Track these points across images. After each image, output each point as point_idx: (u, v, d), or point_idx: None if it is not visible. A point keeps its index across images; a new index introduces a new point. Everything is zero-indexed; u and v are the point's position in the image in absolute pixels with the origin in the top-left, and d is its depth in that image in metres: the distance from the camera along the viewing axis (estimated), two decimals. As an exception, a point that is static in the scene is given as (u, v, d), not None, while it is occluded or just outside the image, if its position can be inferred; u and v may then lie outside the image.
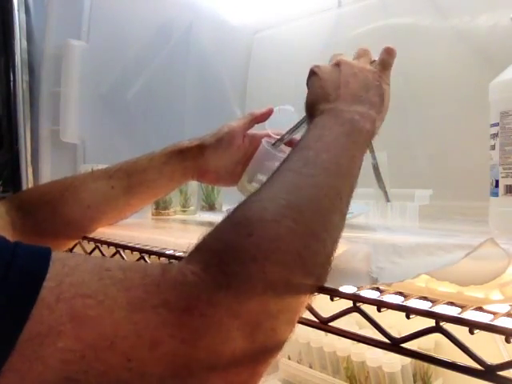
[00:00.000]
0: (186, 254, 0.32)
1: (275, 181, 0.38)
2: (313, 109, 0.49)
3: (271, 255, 0.31)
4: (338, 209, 0.38)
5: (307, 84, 0.53)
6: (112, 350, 0.25)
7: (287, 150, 0.69)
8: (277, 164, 0.61)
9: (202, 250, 0.32)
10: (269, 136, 0.69)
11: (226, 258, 0.30)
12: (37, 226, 0.59)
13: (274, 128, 0.70)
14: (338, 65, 0.51)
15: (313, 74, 0.52)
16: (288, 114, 0.69)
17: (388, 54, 0.54)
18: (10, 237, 0.56)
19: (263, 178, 0.68)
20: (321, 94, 0.49)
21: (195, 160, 0.66)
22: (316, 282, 0.35)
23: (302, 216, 0.34)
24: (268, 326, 0.30)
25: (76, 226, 0.62)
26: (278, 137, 0.68)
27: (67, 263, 0.27)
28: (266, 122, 0.70)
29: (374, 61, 0.55)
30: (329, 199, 0.37)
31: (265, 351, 0.30)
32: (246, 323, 0.29)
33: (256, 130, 0.71)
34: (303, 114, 0.54)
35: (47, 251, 0.27)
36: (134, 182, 0.64)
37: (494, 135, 0.53)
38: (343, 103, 0.46)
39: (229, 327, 0.28)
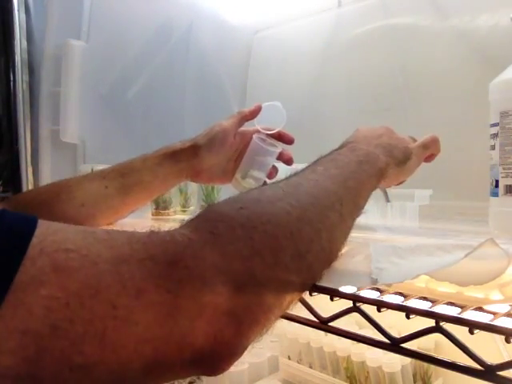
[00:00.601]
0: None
1: (281, 180, 0.40)
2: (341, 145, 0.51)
3: (260, 225, 0.32)
4: (337, 210, 0.38)
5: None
6: (97, 298, 0.25)
7: (278, 144, 0.70)
8: (269, 158, 0.62)
9: (194, 218, 0.33)
10: (259, 132, 0.71)
11: (214, 222, 0.31)
12: None
13: (263, 124, 0.71)
14: (381, 127, 0.55)
15: (356, 130, 0.55)
16: (276, 109, 0.70)
17: (432, 140, 0.58)
18: None
19: (256, 173, 0.69)
20: (351, 139, 0.52)
21: (189, 161, 0.67)
22: (308, 270, 0.35)
23: (298, 203, 0.36)
24: (253, 290, 0.30)
25: (71, 223, 0.63)
26: (268, 132, 0.70)
27: (52, 226, 0.28)
28: (255, 118, 0.71)
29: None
30: (328, 200, 0.38)
31: (250, 314, 0.30)
32: (230, 280, 0.29)
33: (245, 126, 0.72)
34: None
35: (34, 216, 0.28)
36: (128, 182, 0.65)
37: (494, 135, 0.53)
38: (365, 145, 0.49)
39: (213, 281, 0.29)
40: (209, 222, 0.32)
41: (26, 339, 0.24)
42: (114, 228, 0.68)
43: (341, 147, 0.50)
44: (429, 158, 0.59)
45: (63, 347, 0.25)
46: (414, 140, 0.59)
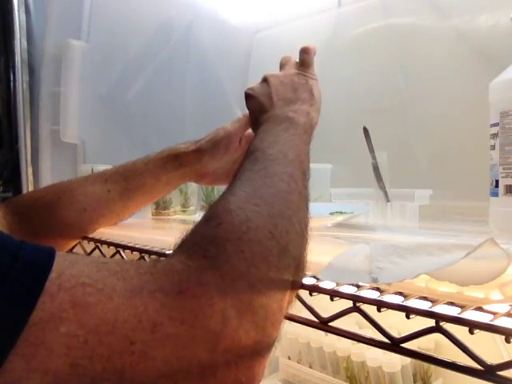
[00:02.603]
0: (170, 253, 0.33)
1: (234, 181, 0.40)
2: (255, 125, 0.53)
3: (243, 235, 0.33)
4: (294, 190, 0.40)
5: (247, 107, 0.58)
6: (114, 334, 0.26)
7: None
8: None
9: (182, 245, 0.33)
10: None
11: (203, 246, 0.32)
12: (34, 230, 0.59)
13: None
14: (265, 80, 0.57)
15: (248, 96, 0.57)
16: None
17: (305, 53, 0.60)
18: None
19: None
20: (258, 108, 0.54)
21: (192, 165, 0.66)
22: (294, 261, 0.35)
23: (262, 199, 0.37)
24: (258, 303, 0.31)
25: (73, 228, 0.63)
26: None
27: (67, 258, 0.28)
28: None
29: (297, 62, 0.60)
30: (283, 182, 0.40)
31: (260, 331, 0.31)
32: (237, 301, 0.30)
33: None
34: None
35: (51, 249, 0.28)
36: (131, 185, 0.64)
37: (494, 135, 0.53)
38: (277, 109, 0.52)
39: (222, 306, 0.29)
40: (197, 245, 0.32)
41: (46, 378, 0.24)
42: (116, 230, 0.68)
43: (258, 124, 0.52)
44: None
45: None
46: (287, 62, 0.60)
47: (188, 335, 0.27)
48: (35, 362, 0.24)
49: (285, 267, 0.34)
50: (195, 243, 0.33)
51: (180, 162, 0.66)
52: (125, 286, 0.28)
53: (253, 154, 0.44)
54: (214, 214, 0.35)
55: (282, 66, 0.61)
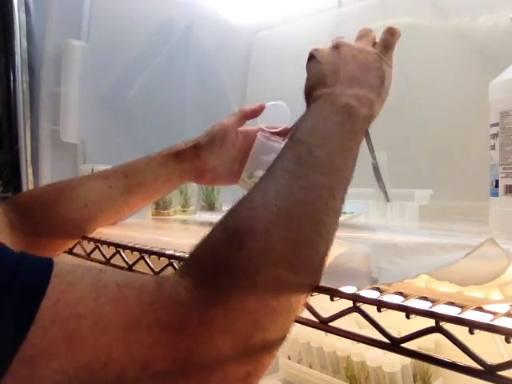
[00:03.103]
0: (180, 265, 0.32)
1: (268, 184, 0.37)
2: (310, 94, 0.47)
3: (263, 269, 0.31)
4: (331, 208, 0.37)
5: (306, 68, 0.52)
6: (105, 371, 0.25)
7: (283, 141, 0.69)
8: (274, 156, 0.60)
9: (194, 263, 0.32)
10: (263, 130, 0.69)
11: (216, 274, 0.30)
12: (35, 226, 0.59)
13: (267, 123, 0.70)
14: (337, 47, 0.50)
15: (311, 57, 0.51)
16: (280, 108, 0.69)
17: (390, 34, 0.53)
18: (8, 237, 0.56)
19: (262, 173, 0.68)
20: (319, 77, 0.47)
21: (192, 161, 0.67)
22: (310, 286, 0.35)
23: (293, 222, 0.34)
24: (259, 339, 0.30)
25: (74, 225, 0.62)
26: (273, 130, 0.69)
27: (65, 279, 0.27)
28: (258, 118, 0.70)
29: (376, 42, 0.53)
30: (322, 200, 0.37)
31: (257, 364, 0.31)
32: (237, 338, 0.29)
33: (249, 125, 0.72)
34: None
35: (49, 265, 0.27)
36: (132, 182, 0.64)
37: (494, 135, 0.53)
38: (341, 87, 0.45)
39: (220, 344, 0.28)
40: (210, 273, 0.31)
41: None
42: (116, 230, 0.68)
43: (314, 95, 0.46)
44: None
45: None
46: (368, 34, 0.53)
47: (180, 373, 0.27)
48: None
49: (298, 296, 0.33)
50: (208, 267, 0.31)
51: (180, 159, 0.66)
52: (121, 318, 0.27)
53: (297, 148, 0.39)
54: (236, 231, 0.33)
55: (358, 38, 0.53)
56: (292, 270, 0.33)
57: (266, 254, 0.32)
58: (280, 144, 0.69)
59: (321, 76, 0.47)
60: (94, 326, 0.26)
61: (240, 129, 0.70)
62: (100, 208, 0.63)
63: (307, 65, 0.52)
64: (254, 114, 0.70)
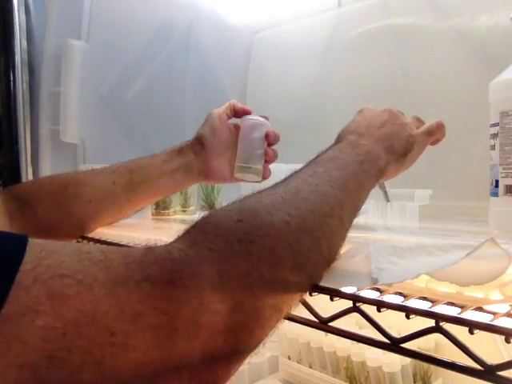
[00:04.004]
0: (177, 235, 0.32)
1: (278, 185, 0.39)
2: (340, 136, 0.51)
3: (258, 239, 0.32)
4: (337, 215, 0.38)
5: (354, 117, 0.56)
6: (94, 326, 0.25)
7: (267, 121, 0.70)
8: (264, 130, 0.60)
9: (192, 231, 0.33)
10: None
11: (212, 238, 0.31)
12: (36, 218, 0.59)
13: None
14: (386, 111, 0.54)
15: (360, 110, 0.56)
16: (258, 125, 0.69)
17: (437, 126, 0.56)
18: (6, 228, 0.55)
19: (258, 151, 0.68)
20: (353, 127, 0.52)
21: (198, 154, 0.68)
22: (308, 280, 0.35)
23: (297, 211, 0.35)
24: (250, 305, 0.30)
25: (77, 221, 0.62)
26: (259, 116, 0.70)
27: (45, 248, 0.27)
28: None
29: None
30: (329, 205, 0.38)
31: (246, 330, 0.30)
32: (227, 298, 0.29)
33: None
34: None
35: (23, 237, 0.27)
36: (136, 178, 0.65)
37: (494, 135, 0.53)
38: (368, 139, 0.49)
39: (210, 299, 0.28)
40: (206, 235, 0.31)
41: (23, 373, 0.23)
42: (116, 230, 0.68)
43: (341, 139, 0.50)
44: (433, 143, 0.58)
45: (62, 377, 0.24)
46: (419, 121, 0.57)
47: (170, 325, 0.27)
48: (10, 356, 0.23)
49: (294, 281, 0.34)
50: (205, 232, 0.32)
51: (184, 154, 0.68)
52: (107, 276, 0.26)
53: (315, 167, 0.42)
54: (239, 209, 0.34)
55: (410, 119, 0.57)
56: (290, 250, 0.33)
57: (264, 229, 0.33)
58: (268, 122, 0.69)
59: (356, 126, 0.52)
60: (79, 283, 0.25)
61: (231, 122, 0.72)
62: (103, 204, 0.63)
63: (356, 114, 0.56)
64: (240, 112, 0.72)
